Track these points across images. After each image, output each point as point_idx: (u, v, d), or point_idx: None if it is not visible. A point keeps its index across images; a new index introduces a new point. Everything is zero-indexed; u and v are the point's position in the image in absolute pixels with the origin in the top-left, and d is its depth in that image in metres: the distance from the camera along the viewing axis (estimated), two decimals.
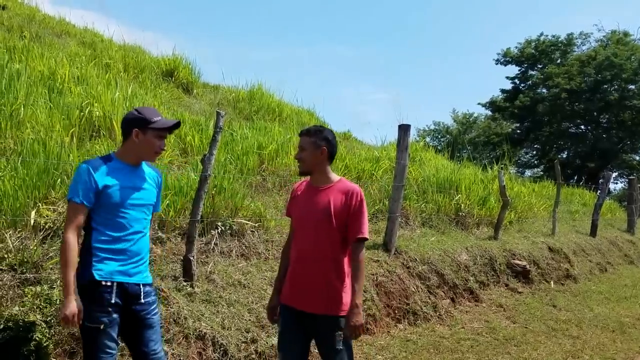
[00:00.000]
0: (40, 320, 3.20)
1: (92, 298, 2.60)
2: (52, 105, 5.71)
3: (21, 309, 3.22)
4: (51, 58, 7.61)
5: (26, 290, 3.37)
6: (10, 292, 3.36)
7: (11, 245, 3.65)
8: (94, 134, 5.79)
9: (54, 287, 3.43)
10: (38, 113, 5.38)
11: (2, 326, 3.10)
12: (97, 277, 2.61)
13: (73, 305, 2.50)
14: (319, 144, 2.84)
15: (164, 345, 3.40)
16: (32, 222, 3.89)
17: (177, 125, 2.82)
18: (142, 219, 2.79)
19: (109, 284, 2.63)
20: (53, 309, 3.28)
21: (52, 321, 3.24)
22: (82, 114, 5.77)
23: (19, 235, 3.81)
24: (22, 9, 11.36)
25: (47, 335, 3.18)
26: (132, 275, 2.72)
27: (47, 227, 3.98)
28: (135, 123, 2.71)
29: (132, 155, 2.76)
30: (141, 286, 2.76)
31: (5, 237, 3.71)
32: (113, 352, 2.64)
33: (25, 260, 3.57)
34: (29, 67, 6.70)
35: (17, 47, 7.73)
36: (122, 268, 2.67)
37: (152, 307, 2.81)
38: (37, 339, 3.12)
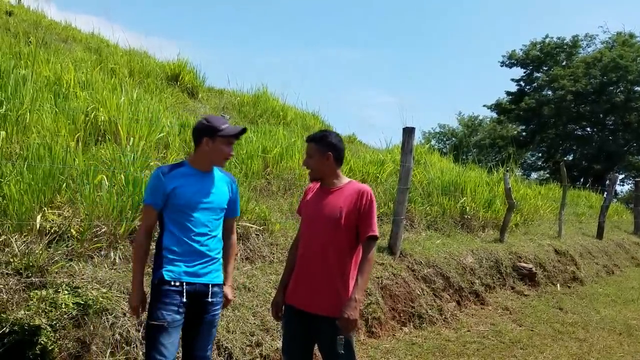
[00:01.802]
0: (46, 324, 3.20)
1: (160, 297, 2.72)
2: (57, 110, 5.74)
3: (26, 313, 3.23)
4: (57, 63, 7.65)
5: (32, 294, 3.38)
6: (16, 296, 3.37)
7: (17, 250, 3.66)
8: (100, 138, 5.81)
9: (59, 291, 3.44)
10: (44, 118, 5.41)
11: (7, 330, 3.12)
12: (166, 277, 2.73)
13: (135, 298, 2.72)
14: (324, 150, 2.85)
15: None
16: (37, 226, 3.91)
17: (243, 131, 2.91)
18: (210, 222, 2.86)
19: (177, 284, 2.73)
20: (58, 312, 3.29)
21: (57, 325, 3.25)
22: (87, 118, 5.80)
23: (24, 239, 3.82)
24: (29, 15, 11.46)
25: (53, 339, 3.18)
26: (201, 276, 2.80)
27: (52, 231, 3.99)
28: (204, 132, 2.82)
29: (202, 162, 2.87)
30: (210, 286, 2.83)
31: (11, 241, 3.72)
32: (166, 355, 2.66)
33: (31, 264, 3.58)
34: (35, 72, 6.74)
35: (24, 52, 7.79)
36: (190, 269, 2.77)
37: (215, 307, 2.88)
38: (42, 343, 3.13)
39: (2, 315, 3.18)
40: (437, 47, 79.83)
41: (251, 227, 5.30)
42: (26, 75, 6.26)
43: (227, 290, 2.97)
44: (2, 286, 3.38)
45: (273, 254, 5.29)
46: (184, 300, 2.72)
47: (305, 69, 74.61)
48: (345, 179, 2.94)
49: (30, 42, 8.80)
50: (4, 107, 5.15)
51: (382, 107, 65.08)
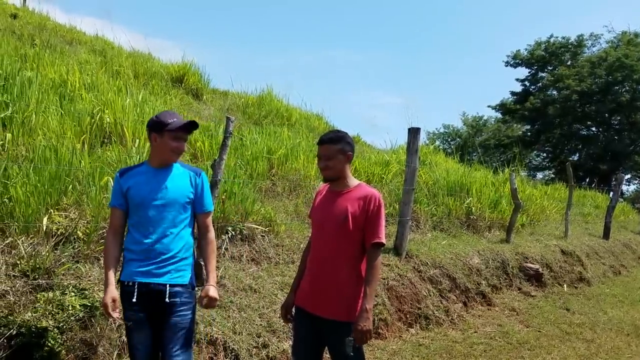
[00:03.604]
0: (53, 326, 3.21)
1: (123, 298, 2.78)
2: (63, 112, 5.75)
3: (33, 315, 3.23)
4: (62, 65, 7.67)
5: (38, 296, 3.39)
6: (23, 298, 3.38)
7: (23, 252, 3.67)
8: (105, 140, 5.83)
9: (66, 293, 3.44)
10: (49, 120, 5.42)
11: (14, 332, 3.12)
12: (122, 278, 2.78)
13: (106, 296, 2.69)
14: (345, 150, 2.81)
15: None
16: (44, 228, 3.91)
17: (193, 125, 2.86)
18: (169, 219, 2.79)
19: (130, 284, 2.74)
20: (65, 314, 3.29)
21: (64, 327, 3.25)
22: (93, 120, 5.81)
23: (31, 241, 3.83)
24: (34, 18, 11.50)
25: (60, 341, 3.19)
26: (157, 276, 2.74)
27: (59, 233, 4.00)
28: (153, 128, 2.82)
29: (156, 158, 2.86)
30: (167, 286, 2.74)
31: (18, 243, 3.73)
32: (139, 351, 2.72)
33: (38, 266, 3.59)
34: (40, 74, 6.76)
35: (29, 55, 7.81)
36: (143, 269, 2.74)
37: (178, 308, 2.75)
38: (49, 344, 3.13)
39: (10, 317, 3.19)
40: (441, 47, 79.81)
41: (257, 228, 5.29)
42: (32, 78, 6.27)
43: (211, 289, 2.81)
44: (9, 288, 3.39)
45: (279, 255, 5.28)
46: (134, 299, 2.70)
47: (308, 70, 74.75)
48: (354, 181, 2.90)
49: (35, 44, 8.83)
50: (10, 109, 5.17)
51: (386, 107, 65.01)
